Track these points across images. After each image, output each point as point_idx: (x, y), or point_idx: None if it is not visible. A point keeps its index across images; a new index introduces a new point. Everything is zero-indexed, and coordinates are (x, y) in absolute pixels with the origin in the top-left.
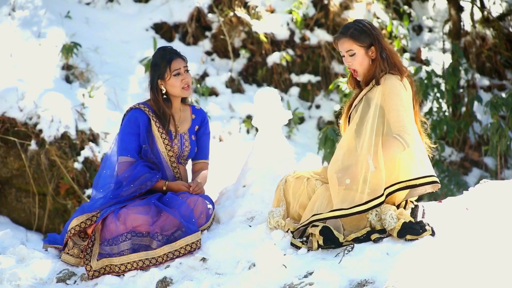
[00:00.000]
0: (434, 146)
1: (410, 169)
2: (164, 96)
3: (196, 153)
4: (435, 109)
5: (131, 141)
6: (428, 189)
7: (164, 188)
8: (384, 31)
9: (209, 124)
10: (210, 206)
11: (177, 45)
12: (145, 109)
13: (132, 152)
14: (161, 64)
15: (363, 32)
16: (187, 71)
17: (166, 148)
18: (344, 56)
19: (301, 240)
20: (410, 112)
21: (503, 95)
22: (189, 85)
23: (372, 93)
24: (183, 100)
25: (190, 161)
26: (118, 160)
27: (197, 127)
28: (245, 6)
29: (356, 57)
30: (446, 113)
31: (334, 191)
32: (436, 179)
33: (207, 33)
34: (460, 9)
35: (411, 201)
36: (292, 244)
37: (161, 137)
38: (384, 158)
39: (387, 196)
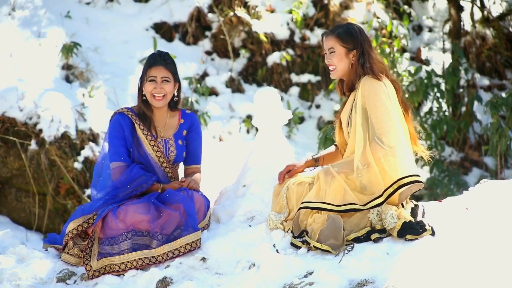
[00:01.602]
0: (430, 153)
1: (395, 169)
2: (144, 98)
3: (187, 158)
4: (435, 109)
5: (120, 145)
6: (414, 188)
7: (159, 190)
8: (384, 31)
9: (200, 129)
10: (206, 202)
11: (177, 45)
12: (128, 113)
13: (124, 156)
14: (144, 67)
15: (349, 35)
16: (166, 81)
17: (153, 149)
18: (326, 54)
19: (301, 240)
20: (392, 112)
21: (503, 95)
22: (163, 96)
23: (356, 98)
24: (172, 107)
25: (182, 166)
26: (111, 166)
27: (185, 131)
28: (245, 6)
29: (335, 55)
30: (446, 113)
31: (325, 184)
32: (420, 178)
33: (207, 33)
34: (460, 9)
35: (411, 201)
36: (292, 244)
37: (146, 138)
38: (375, 163)
39: (387, 197)
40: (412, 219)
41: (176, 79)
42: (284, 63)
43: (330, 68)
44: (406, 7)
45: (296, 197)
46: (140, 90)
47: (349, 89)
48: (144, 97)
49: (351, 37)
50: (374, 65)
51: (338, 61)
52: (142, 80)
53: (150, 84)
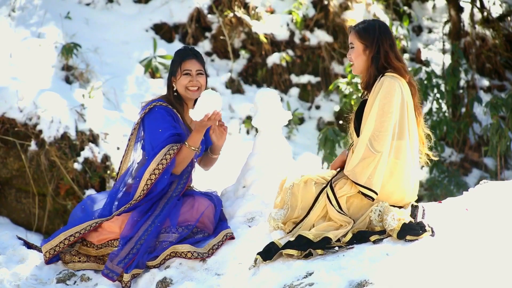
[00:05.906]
0: (433, 154)
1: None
2: (175, 94)
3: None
4: (435, 110)
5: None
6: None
7: (187, 145)
8: None
9: None
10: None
11: (177, 45)
12: (168, 106)
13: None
14: (175, 61)
15: (367, 32)
16: (201, 74)
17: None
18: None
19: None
20: (392, 115)
21: (503, 95)
22: (198, 88)
23: (371, 96)
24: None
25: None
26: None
27: None
28: (245, 6)
29: (354, 50)
30: (446, 114)
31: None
32: (371, 194)
33: (207, 34)
34: (460, 9)
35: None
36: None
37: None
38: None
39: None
40: (412, 220)
41: (206, 72)
42: (284, 64)
43: (350, 63)
44: (406, 8)
45: (302, 194)
46: (170, 85)
47: (365, 87)
48: (175, 93)
49: (369, 33)
50: (390, 64)
51: (356, 57)
52: (174, 75)
53: (185, 78)
